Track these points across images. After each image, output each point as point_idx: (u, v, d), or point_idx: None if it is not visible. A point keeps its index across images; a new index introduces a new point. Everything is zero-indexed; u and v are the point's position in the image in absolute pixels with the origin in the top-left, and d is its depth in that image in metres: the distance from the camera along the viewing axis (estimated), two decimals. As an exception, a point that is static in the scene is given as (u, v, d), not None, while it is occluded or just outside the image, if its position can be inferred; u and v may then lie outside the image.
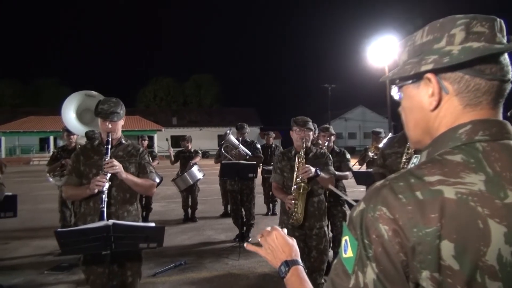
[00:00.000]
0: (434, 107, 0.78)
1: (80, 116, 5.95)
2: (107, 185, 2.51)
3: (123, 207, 2.71)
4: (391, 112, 26.11)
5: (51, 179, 5.52)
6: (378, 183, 0.74)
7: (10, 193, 3.79)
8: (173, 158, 7.76)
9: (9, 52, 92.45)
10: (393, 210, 0.68)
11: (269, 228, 1.19)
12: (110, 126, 2.68)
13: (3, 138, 33.21)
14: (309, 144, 3.44)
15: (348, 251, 0.71)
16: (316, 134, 5.12)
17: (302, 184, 3.19)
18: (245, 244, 1.25)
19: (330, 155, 3.65)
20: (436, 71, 0.76)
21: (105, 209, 2.46)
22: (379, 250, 0.67)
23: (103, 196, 2.49)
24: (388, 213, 0.68)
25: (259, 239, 1.19)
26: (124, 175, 2.61)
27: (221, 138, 6.53)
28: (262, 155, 6.51)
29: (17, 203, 4.20)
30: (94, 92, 6.12)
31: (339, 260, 0.74)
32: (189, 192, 7.52)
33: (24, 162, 30.56)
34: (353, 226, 0.72)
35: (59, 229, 2.20)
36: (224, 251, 5.55)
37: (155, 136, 34.50)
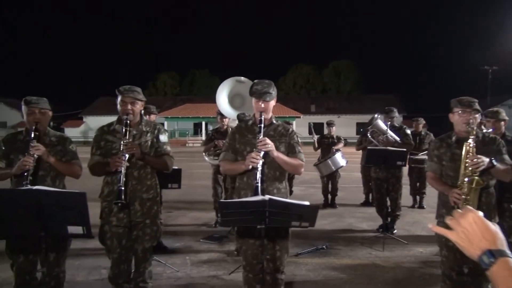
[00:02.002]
0: None
1: (232, 100, 6.40)
2: (261, 162, 2.61)
3: (273, 184, 2.81)
4: None
5: (206, 158, 6.09)
6: None
7: (176, 167, 4.27)
8: (316, 145, 7.74)
9: (165, 47, 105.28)
10: None
11: (460, 211, 1.02)
12: (262, 105, 2.79)
13: (166, 123, 38.46)
14: (475, 127, 2.99)
15: None
16: (478, 120, 4.44)
17: (476, 178, 2.75)
18: (430, 225, 1.11)
19: (504, 142, 3.12)
20: None
21: (259, 185, 2.55)
22: None
23: (257, 172, 2.59)
24: None
25: (448, 222, 1.01)
26: (275, 153, 2.68)
27: (360, 126, 6.29)
28: (413, 142, 6.01)
29: (181, 176, 4.77)
30: (243, 78, 6.51)
31: None
32: (330, 178, 7.45)
33: (181, 144, 34.90)
34: None
35: (222, 200, 2.38)
36: (367, 241, 5.33)
37: (294, 123, 35.41)
